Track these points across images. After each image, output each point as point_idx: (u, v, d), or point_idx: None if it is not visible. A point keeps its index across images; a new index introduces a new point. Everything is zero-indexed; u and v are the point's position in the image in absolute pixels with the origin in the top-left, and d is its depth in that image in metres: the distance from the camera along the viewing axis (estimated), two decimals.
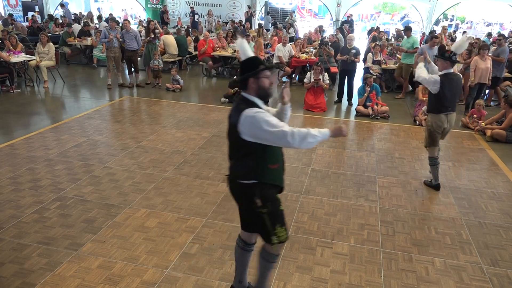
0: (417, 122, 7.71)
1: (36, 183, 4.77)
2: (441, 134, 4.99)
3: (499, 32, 16.27)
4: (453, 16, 27.64)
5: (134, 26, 10.97)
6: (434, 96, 4.77)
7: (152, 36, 10.11)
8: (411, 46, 9.39)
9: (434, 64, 5.23)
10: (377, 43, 10.85)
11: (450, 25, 23.03)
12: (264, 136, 2.38)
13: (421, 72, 4.90)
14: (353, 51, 8.72)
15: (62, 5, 18.90)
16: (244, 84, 2.53)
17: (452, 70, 4.79)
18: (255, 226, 2.70)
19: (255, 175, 2.51)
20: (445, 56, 4.76)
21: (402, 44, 9.83)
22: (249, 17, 18.14)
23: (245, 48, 2.59)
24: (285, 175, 2.74)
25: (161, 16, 17.89)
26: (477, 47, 9.45)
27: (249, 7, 19.46)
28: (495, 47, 11.38)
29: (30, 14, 18.76)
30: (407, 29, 9.95)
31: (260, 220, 2.58)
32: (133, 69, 10.02)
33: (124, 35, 9.56)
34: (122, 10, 26.70)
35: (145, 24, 15.02)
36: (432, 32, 14.94)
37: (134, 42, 9.62)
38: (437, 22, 21.40)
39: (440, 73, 4.78)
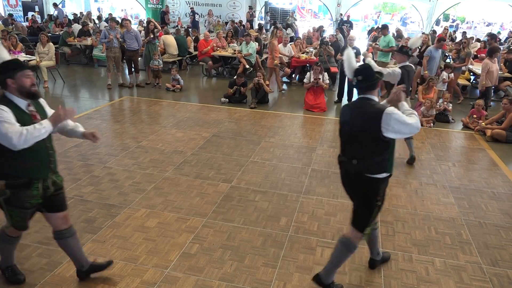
0: None
1: None
2: None
3: (498, 31, 16.26)
4: (454, 16, 27.65)
5: (134, 26, 10.96)
6: (393, 86, 5.05)
7: (152, 36, 10.11)
8: (387, 45, 9.46)
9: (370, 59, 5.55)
10: (378, 43, 10.85)
11: (451, 26, 23.04)
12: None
13: (380, 68, 5.16)
14: (354, 51, 8.71)
15: (55, 4, 18.78)
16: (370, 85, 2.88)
17: (407, 63, 5.48)
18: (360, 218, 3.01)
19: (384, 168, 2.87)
20: (403, 51, 5.48)
21: (379, 43, 9.86)
22: (252, 17, 18.12)
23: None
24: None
25: (162, 17, 17.88)
26: (466, 47, 9.52)
27: (250, 7, 19.48)
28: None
29: (30, 14, 18.77)
30: (384, 28, 10.06)
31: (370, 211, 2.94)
32: (133, 69, 10.02)
33: (124, 35, 9.57)
34: (122, 10, 26.70)
35: (145, 24, 15.03)
36: (433, 32, 14.95)
37: (135, 42, 9.61)
38: (437, 22, 21.42)
39: (399, 65, 5.40)
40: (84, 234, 3.79)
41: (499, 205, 4.71)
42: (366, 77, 2.85)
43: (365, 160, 2.85)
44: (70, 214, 4.11)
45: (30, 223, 3.93)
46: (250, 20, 17.36)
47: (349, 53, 2.98)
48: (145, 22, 15.66)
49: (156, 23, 10.74)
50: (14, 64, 2.63)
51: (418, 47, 9.81)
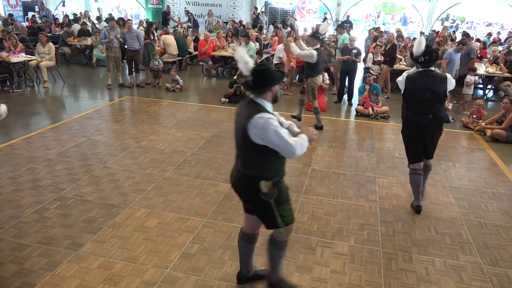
0: None
1: (36, 183, 4.77)
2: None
3: (498, 31, 16.24)
4: (454, 17, 27.66)
5: (134, 26, 10.96)
6: (312, 65, 6.76)
7: (152, 37, 10.14)
8: (342, 43, 9.58)
9: (302, 43, 7.06)
10: (378, 43, 10.85)
11: (451, 26, 23.04)
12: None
13: (296, 50, 6.71)
14: (354, 51, 8.72)
15: (42, 4, 18.60)
16: None
17: (319, 46, 6.83)
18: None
19: None
20: (315, 36, 6.91)
21: (339, 42, 9.92)
22: (256, 18, 18.10)
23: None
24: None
25: (164, 17, 17.87)
26: (443, 45, 9.57)
27: (256, 8, 19.49)
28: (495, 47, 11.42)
29: (30, 14, 18.75)
30: (339, 27, 10.29)
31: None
32: (133, 69, 10.03)
33: (125, 35, 9.57)
34: (122, 10, 26.70)
35: (145, 25, 15.02)
36: (434, 32, 14.94)
37: (136, 42, 9.63)
38: (442, 22, 21.41)
39: (313, 48, 6.75)
40: (84, 234, 3.79)
41: (499, 205, 4.71)
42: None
43: None
44: (70, 214, 4.13)
45: (30, 223, 3.95)
46: (255, 20, 17.31)
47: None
48: (144, 22, 15.68)
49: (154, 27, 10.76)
50: (278, 75, 2.71)
51: (383, 45, 10.00)
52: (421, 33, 9.83)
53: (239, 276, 3.22)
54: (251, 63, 2.72)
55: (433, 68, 4.18)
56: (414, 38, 11.88)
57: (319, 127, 7.03)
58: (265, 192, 2.67)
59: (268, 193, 2.68)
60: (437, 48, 9.73)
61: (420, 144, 4.33)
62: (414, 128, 4.31)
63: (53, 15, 18.37)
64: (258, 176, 2.68)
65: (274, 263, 3.06)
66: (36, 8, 19.41)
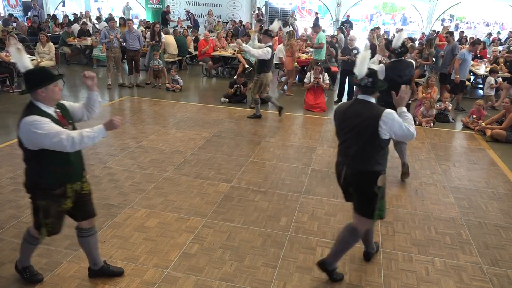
0: (416, 122, 7.71)
1: None
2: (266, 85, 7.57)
3: (498, 31, 16.25)
4: (451, 17, 27.64)
5: (134, 26, 10.99)
6: (266, 61, 7.20)
7: (157, 39, 10.17)
8: (317, 42, 9.64)
9: (257, 41, 7.66)
10: (378, 43, 10.85)
11: (449, 27, 23.04)
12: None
13: (250, 49, 7.06)
14: (355, 51, 8.72)
15: (34, 3, 18.41)
16: None
17: (271, 43, 7.28)
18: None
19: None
20: (268, 33, 7.31)
21: (315, 41, 9.96)
22: (260, 19, 18.08)
23: None
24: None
25: (163, 17, 17.87)
26: (427, 47, 9.62)
27: (259, 8, 19.50)
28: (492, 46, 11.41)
29: (30, 14, 18.72)
30: (315, 25, 10.34)
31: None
32: (133, 69, 10.04)
33: (126, 35, 9.58)
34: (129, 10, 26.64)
35: (144, 25, 15.02)
36: (434, 32, 14.95)
37: (137, 42, 9.64)
38: (442, 21, 21.42)
39: (265, 45, 7.15)
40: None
41: (499, 205, 4.71)
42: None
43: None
44: None
45: (30, 223, 3.94)
46: (259, 20, 17.28)
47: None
48: (144, 22, 15.69)
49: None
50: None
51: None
52: (401, 29, 10.01)
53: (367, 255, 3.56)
54: (367, 67, 3.01)
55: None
56: (411, 38, 11.93)
57: (257, 116, 7.56)
58: (380, 185, 2.98)
59: (381, 186, 3.00)
60: (421, 49, 9.80)
61: None
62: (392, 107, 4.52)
63: (52, 15, 18.30)
64: (375, 171, 2.97)
65: (339, 250, 3.22)
66: (42, 8, 19.40)
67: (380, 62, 7.72)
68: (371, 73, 2.99)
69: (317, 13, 20.56)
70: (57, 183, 2.72)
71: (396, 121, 2.87)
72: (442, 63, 9.52)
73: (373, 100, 3.02)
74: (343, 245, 3.19)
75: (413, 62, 5.27)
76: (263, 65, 7.24)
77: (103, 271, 3.19)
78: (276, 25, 7.78)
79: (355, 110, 3.01)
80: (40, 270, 3.27)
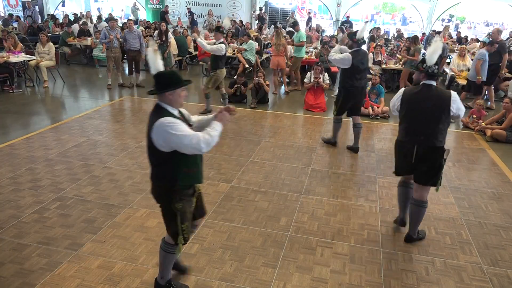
0: None
1: (36, 183, 4.77)
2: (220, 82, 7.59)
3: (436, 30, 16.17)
4: (450, 17, 27.63)
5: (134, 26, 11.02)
6: (221, 57, 7.23)
7: (164, 38, 10.18)
8: (298, 40, 9.76)
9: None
10: (378, 43, 10.86)
11: (449, 26, 23.02)
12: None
13: (205, 45, 7.13)
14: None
15: (28, 3, 18.28)
16: None
17: (222, 40, 7.25)
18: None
19: None
20: (220, 30, 7.30)
21: (295, 39, 10.07)
22: (261, 19, 18.08)
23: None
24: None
25: (162, 17, 17.87)
26: (412, 44, 9.61)
27: (260, 9, 19.50)
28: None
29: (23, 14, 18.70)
30: (295, 24, 10.54)
31: None
32: (133, 69, 10.03)
33: (126, 35, 9.58)
34: (122, 10, 26.69)
35: (144, 25, 15.02)
36: (434, 31, 14.94)
37: (138, 42, 9.64)
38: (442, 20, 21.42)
39: (218, 41, 7.16)
40: (84, 234, 3.79)
41: (499, 205, 4.71)
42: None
43: None
44: (70, 214, 4.13)
45: (30, 223, 3.95)
46: (260, 20, 17.28)
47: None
48: (144, 22, 15.69)
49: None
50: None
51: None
52: (365, 22, 10.19)
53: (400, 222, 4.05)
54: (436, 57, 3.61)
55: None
56: (408, 38, 11.96)
57: (208, 111, 7.57)
58: (445, 158, 3.52)
59: (445, 158, 3.53)
60: (408, 47, 9.81)
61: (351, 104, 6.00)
62: (354, 89, 5.84)
63: (51, 15, 18.27)
64: (443, 146, 3.53)
65: (417, 222, 3.80)
66: (36, 8, 19.38)
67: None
68: (437, 62, 3.57)
69: (309, 13, 20.52)
70: (188, 184, 2.74)
71: (459, 100, 3.53)
72: None
73: (435, 84, 3.60)
74: (417, 217, 3.77)
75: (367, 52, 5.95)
76: (218, 61, 7.27)
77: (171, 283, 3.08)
78: (227, 22, 7.97)
79: (425, 94, 3.55)
80: (40, 270, 3.27)
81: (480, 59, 8.43)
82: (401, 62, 10.10)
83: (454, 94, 3.50)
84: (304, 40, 9.84)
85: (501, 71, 9.04)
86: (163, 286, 3.03)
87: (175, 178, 2.64)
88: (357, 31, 6.06)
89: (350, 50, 5.82)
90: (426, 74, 3.57)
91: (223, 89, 7.79)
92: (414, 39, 9.93)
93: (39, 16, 17.57)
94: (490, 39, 9.59)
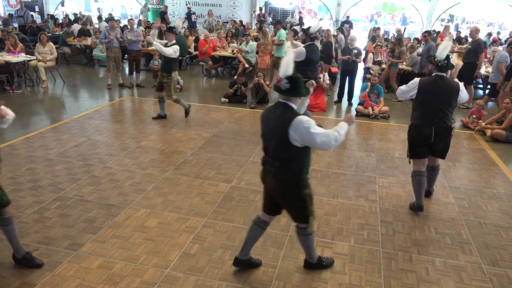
0: None
1: (36, 183, 4.77)
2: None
3: (498, 31, 16.26)
4: (450, 17, 27.63)
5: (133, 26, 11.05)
6: (173, 60, 7.02)
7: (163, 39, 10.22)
8: (278, 39, 9.91)
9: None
10: (378, 43, 10.85)
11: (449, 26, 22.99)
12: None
13: (161, 47, 6.72)
14: (355, 51, 8.71)
15: (21, 3, 18.07)
16: None
17: (174, 41, 6.99)
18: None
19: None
20: (172, 31, 7.09)
21: (276, 38, 10.17)
22: (261, 19, 18.07)
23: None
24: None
25: (162, 17, 17.86)
26: (397, 46, 9.66)
27: (260, 9, 19.50)
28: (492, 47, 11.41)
29: (14, 14, 18.66)
30: (277, 23, 10.76)
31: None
32: (134, 69, 10.04)
33: (127, 34, 9.59)
34: (131, 8, 26.61)
35: (144, 25, 15.02)
36: (434, 31, 14.93)
37: (139, 42, 9.66)
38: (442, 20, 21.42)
39: (170, 43, 6.93)
40: (84, 234, 3.79)
41: (499, 205, 4.71)
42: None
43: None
44: (70, 214, 4.13)
45: (30, 223, 3.95)
46: (261, 21, 17.29)
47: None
48: (145, 22, 15.68)
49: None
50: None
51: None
52: (320, 19, 10.32)
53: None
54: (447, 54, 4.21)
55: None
56: (402, 38, 11.91)
57: (162, 116, 7.37)
58: (452, 134, 4.29)
59: (452, 134, 4.33)
60: (392, 48, 9.83)
61: None
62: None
63: (51, 15, 18.20)
64: (452, 125, 4.27)
65: (433, 180, 4.70)
66: (36, 8, 19.36)
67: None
68: (447, 56, 4.09)
69: (300, 12, 20.54)
70: (306, 175, 3.04)
71: (464, 89, 4.25)
72: (419, 64, 9.58)
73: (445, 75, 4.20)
74: (434, 176, 4.65)
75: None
76: (171, 63, 6.98)
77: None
78: (179, 23, 8.01)
79: (439, 84, 4.14)
80: (40, 270, 3.28)
81: (502, 61, 8.43)
82: (387, 64, 9.99)
83: (461, 84, 4.24)
84: (284, 39, 9.84)
85: (477, 70, 8.99)
86: (316, 264, 3.41)
87: (300, 171, 2.96)
88: (310, 27, 6.64)
89: (303, 45, 6.30)
90: (436, 67, 4.18)
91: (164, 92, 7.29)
92: (398, 41, 9.99)
93: (31, 19, 17.21)
94: (468, 38, 9.65)
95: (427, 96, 4.19)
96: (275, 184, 3.01)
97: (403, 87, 4.42)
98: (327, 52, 9.29)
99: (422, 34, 11.14)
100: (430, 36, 9.79)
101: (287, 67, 2.89)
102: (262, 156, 3.08)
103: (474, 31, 9.04)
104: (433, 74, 4.24)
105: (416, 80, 4.32)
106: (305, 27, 7.52)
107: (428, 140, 4.25)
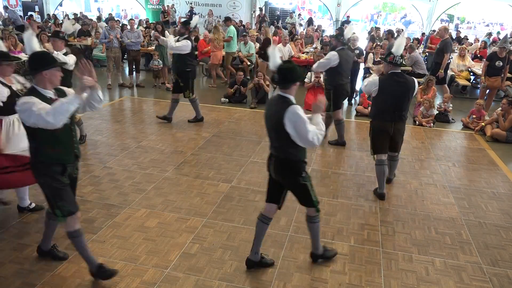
0: (416, 122, 7.72)
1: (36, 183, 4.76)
2: None
3: (498, 32, 16.25)
4: (450, 17, 27.65)
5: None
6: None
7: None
8: (227, 35, 10.17)
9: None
10: (378, 43, 10.85)
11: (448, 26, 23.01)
12: None
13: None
14: (357, 51, 8.71)
15: (5, 7, 17.71)
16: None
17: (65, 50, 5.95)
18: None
19: None
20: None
21: (226, 34, 10.38)
22: (262, 19, 18.07)
23: None
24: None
25: (163, 16, 17.85)
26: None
27: (261, 9, 19.50)
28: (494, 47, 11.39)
29: (30, 14, 18.70)
30: (227, 20, 11.08)
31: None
32: (133, 69, 10.04)
33: (128, 34, 9.59)
34: (122, 10, 26.67)
35: (144, 24, 15.00)
36: (433, 32, 14.94)
37: (138, 43, 9.67)
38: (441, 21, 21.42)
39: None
40: (84, 234, 3.78)
41: (499, 205, 4.71)
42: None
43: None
44: None
45: (30, 223, 3.95)
46: (261, 21, 17.28)
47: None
48: (144, 22, 15.67)
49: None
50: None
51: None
52: (422, 33, 10.16)
53: None
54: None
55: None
56: (417, 39, 11.94)
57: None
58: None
59: None
60: (404, 54, 9.89)
61: None
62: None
63: (48, 15, 18.15)
64: None
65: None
66: (36, 8, 19.35)
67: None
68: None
69: (292, 12, 20.53)
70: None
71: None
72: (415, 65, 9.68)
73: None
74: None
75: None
76: (68, 76, 6.12)
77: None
78: (68, 26, 6.93)
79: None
80: (40, 270, 3.28)
81: None
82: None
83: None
84: (232, 35, 10.09)
85: (440, 69, 8.91)
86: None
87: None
88: (340, 32, 6.67)
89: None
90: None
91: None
92: (388, 37, 10.06)
93: (19, 19, 16.80)
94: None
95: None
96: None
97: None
98: (265, 49, 9.35)
99: (429, 33, 11.17)
100: (423, 36, 9.88)
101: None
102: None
103: (443, 30, 9.06)
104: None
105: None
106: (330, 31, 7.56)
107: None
